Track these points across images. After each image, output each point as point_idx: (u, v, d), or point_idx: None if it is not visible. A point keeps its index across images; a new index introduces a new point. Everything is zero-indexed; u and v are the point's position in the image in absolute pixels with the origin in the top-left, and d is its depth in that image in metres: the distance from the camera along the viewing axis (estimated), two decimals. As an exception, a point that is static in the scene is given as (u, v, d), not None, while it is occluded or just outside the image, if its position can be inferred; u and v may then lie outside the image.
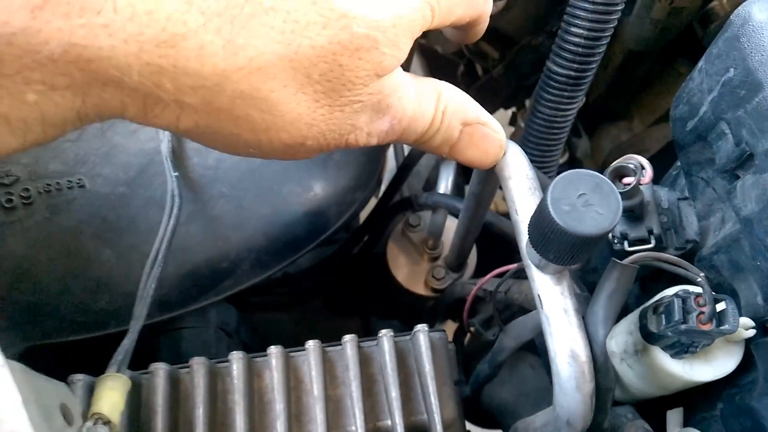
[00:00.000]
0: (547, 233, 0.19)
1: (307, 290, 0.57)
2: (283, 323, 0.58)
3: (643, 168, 0.24)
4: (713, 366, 0.25)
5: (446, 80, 0.73)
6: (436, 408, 0.24)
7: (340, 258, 0.55)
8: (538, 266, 0.22)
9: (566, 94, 0.35)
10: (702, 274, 0.24)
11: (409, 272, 0.49)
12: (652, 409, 0.30)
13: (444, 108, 0.23)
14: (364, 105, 0.20)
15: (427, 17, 0.20)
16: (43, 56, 0.14)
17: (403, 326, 0.57)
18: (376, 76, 0.19)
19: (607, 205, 0.18)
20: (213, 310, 0.34)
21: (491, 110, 0.67)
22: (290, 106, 0.17)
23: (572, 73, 0.34)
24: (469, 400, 0.39)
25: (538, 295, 0.22)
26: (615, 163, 0.25)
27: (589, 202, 0.18)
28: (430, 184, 0.57)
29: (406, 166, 0.48)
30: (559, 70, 0.35)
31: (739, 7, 0.25)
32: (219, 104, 0.16)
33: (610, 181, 0.19)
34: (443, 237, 0.48)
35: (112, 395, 0.19)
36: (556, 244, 0.19)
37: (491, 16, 0.48)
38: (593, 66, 0.34)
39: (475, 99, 0.67)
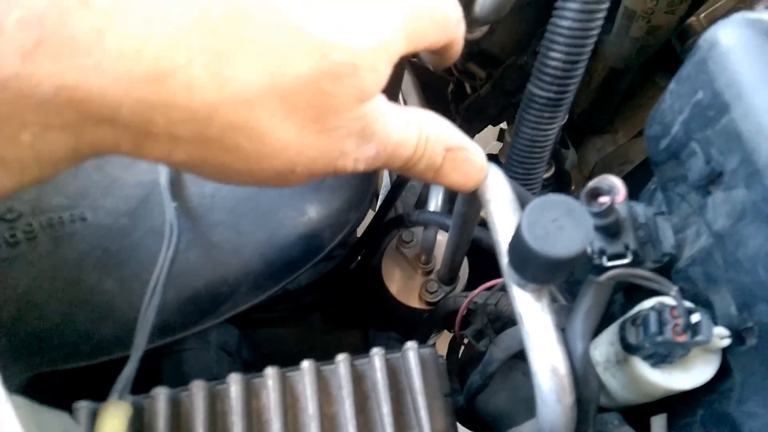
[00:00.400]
0: (523, 256, 0.20)
1: (307, 305, 0.58)
2: (285, 338, 0.59)
3: (616, 188, 0.26)
4: (691, 375, 0.26)
5: (437, 97, 0.76)
6: (426, 422, 0.25)
7: (337, 274, 0.56)
8: (518, 285, 0.23)
9: (547, 115, 0.37)
10: (676, 288, 0.25)
11: (403, 286, 0.50)
12: (639, 415, 0.31)
13: (427, 135, 0.24)
14: (349, 130, 0.20)
15: (402, 43, 0.21)
16: (36, 99, 0.14)
17: (401, 338, 0.58)
18: (359, 101, 0.20)
19: (579, 228, 0.20)
20: (214, 331, 0.35)
21: (480, 127, 0.69)
22: (279, 133, 0.18)
23: (552, 95, 0.36)
24: (464, 409, 0.40)
25: (519, 313, 0.23)
26: (590, 184, 0.26)
27: (562, 226, 0.20)
28: (422, 199, 0.58)
29: (398, 185, 0.50)
30: (540, 92, 0.36)
31: (707, 32, 0.26)
32: (210, 135, 0.17)
33: (581, 205, 0.20)
34: (436, 252, 0.49)
35: (113, 422, 0.20)
36: (533, 265, 0.20)
37: (477, 40, 0.50)
38: (572, 88, 0.36)
39: (463, 117, 0.68)
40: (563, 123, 0.50)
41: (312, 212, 0.34)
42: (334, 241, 0.37)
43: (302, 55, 0.18)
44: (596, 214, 0.26)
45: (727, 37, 0.25)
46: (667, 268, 0.30)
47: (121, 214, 0.27)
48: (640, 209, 0.31)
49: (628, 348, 0.27)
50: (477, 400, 0.40)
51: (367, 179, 0.41)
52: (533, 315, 0.23)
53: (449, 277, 0.47)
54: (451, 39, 0.25)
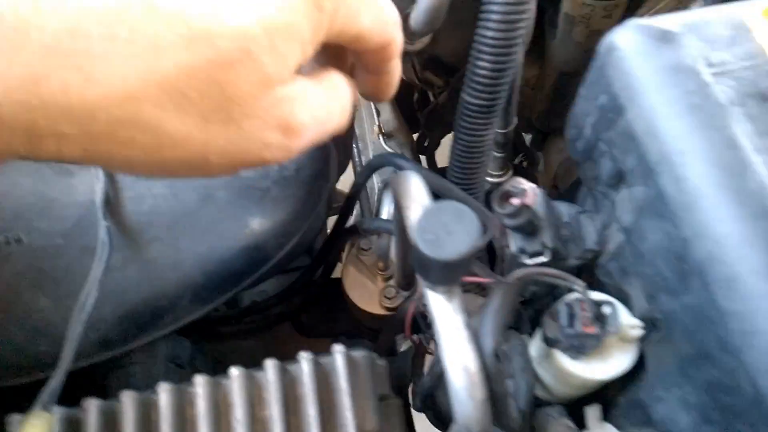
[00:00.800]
0: (421, 260, 0.22)
1: (276, 316, 0.59)
2: (254, 350, 0.59)
3: (525, 190, 0.27)
4: (610, 365, 0.27)
5: (403, 107, 0.77)
6: (351, 422, 0.26)
7: (302, 283, 0.57)
8: (429, 287, 0.24)
9: (480, 121, 0.38)
10: (583, 284, 0.26)
11: (364, 293, 0.51)
12: (581, 407, 0.32)
13: (349, 98, 0.24)
14: (265, 121, 0.20)
15: (316, 18, 0.20)
16: None
17: (371, 344, 0.59)
18: (264, 87, 0.19)
19: (467, 232, 0.21)
20: (162, 344, 0.35)
21: (442, 134, 0.70)
22: (174, 125, 0.18)
23: (483, 102, 0.37)
24: (429, 409, 0.40)
25: (432, 313, 0.24)
26: (502, 187, 0.28)
27: (452, 231, 0.21)
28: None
29: (354, 193, 0.51)
30: (472, 100, 0.37)
31: (604, 38, 0.28)
32: (98, 131, 0.17)
33: (470, 210, 0.21)
34: (394, 257, 0.50)
35: (33, 431, 0.21)
36: (430, 269, 0.22)
37: (423, 49, 0.51)
38: (502, 94, 0.37)
39: (425, 124, 0.69)
40: (511, 128, 0.52)
41: (254, 225, 0.35)
42: (280, 251, 0.38)
43: (182, 47, 0.17)
44: (509, 215, 0.28)
45: (621, 43, 0.26)
46: (592, 264, 0.32)
47: (55, 235, 0.28)
48: (564, 208, 0.32)
49: (549, 342, 0.28)
50: (436, 399, 0.41)
51: (315, 190, 0.42)
52: (444, 315, 0.24)
53: (405, 282, 0.48)
54: (389, 39, 0.24)
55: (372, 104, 0.80)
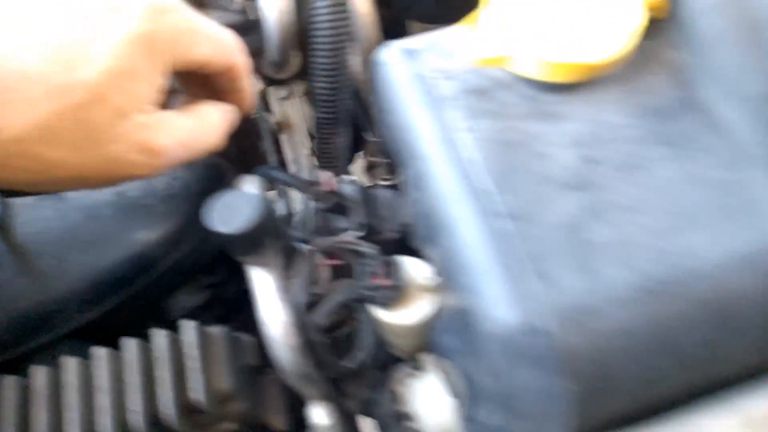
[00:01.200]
0: (223, 241, 0.28)
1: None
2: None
3: (325, 181, 0.34)
4: (414, 311, 0.34)
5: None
6: (201, 383, 0.32)
7: (221, 292, 0.63)
8: (242, 261, 0.31)
9: (328, 131, 0.45)
10: (373, 247, 0.33)
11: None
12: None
13: (223, 122, 0.30)
14: (129, 144, 0.26)
15: (153, 57, 0.26)
16: None
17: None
18: (120, 119, 0.25)
19: (248, 212, 0.27)
20: (63, 348, 0.41)
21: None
22: (52, 154, 0.25)
23: (328, 116, 0.45)
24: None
25: (250, 280, 0.31)
26: (308, 179, 0.35)
27: (238, 212, 0.27)
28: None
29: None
30: (319, 115, 0.45)
31: (374, 53, 0.35)
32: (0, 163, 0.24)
33: (254, 195, 0.28)
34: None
35: None
36: (227, 245, 0.28)
37: (300, 71, 0.58)
38: (342, 109, 0.45)
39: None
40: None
41: (140, 236, 0.41)
42: (166, 258, 0.44)
43: (48, 99, 0.24)
44: (315, 200, 0.35)
45: (383, 59, 0.34)
46: (407, 235, 0.39)
47: (-51, 257, 0.34)
48: (381, 191, 0.39)
49: (363, 299, 0.34)
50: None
51: (203, 205, 0.49)
52: (255, 278, 0.30)
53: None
54: (230, 62, 0.30)
55: (305, 127, 0.88)
